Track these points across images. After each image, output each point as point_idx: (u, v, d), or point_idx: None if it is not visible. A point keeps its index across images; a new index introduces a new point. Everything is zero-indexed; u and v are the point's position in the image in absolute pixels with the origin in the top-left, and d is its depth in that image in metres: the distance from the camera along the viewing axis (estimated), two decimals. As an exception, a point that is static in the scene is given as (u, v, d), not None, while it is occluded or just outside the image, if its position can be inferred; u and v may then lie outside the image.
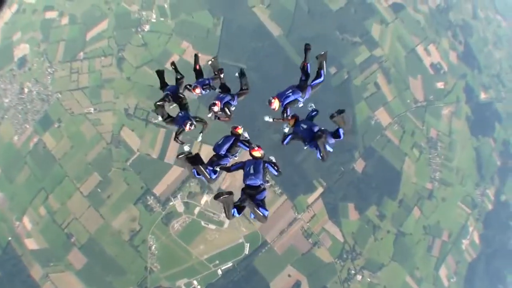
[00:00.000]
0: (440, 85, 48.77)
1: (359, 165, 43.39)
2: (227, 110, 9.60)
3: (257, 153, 8.44)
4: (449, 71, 49.61)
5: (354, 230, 43.00)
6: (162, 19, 45.59)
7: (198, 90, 10.00)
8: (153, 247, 39.94)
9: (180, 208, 40.79)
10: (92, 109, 42.56)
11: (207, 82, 10.31)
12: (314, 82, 9.35)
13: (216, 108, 9.47)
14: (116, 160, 41.34)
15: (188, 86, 10.31)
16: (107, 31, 44.76)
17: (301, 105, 9.41)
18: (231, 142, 9.03)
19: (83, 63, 43.86)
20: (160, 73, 10.64)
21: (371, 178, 43.36)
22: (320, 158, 8.41)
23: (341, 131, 8.08)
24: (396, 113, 46.06)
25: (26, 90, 43.43)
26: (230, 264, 40.23)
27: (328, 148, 8.37)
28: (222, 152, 8.90)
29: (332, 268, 42.08)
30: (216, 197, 7.57)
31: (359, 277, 42.83)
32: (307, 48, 9.40)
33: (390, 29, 48.66)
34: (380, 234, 43.71)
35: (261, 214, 7.79)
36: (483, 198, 48.73)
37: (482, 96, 51.69)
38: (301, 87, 9.24)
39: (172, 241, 40.17)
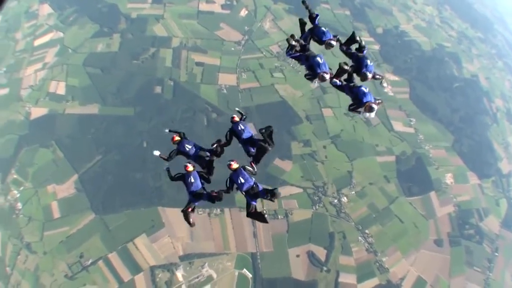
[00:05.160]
0: (243, 13, 58.34)
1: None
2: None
3: (235, 165, 11.18)
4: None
5: (300, 174, 50.02)
6: (21, 188, 51.87)
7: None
8: None
9: (173, 303, 46.56)
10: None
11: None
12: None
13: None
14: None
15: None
16: (4, 237, 49.63)
17: None
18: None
19: (14, 275, 47.43)
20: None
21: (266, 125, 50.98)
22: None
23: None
24: (234, 66, 55.07)
25: None
26: (251, 296, 46.03)
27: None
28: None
29: (319, 216, 48.80)
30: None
31: (344, 199, 49.85)
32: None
33: (168, 16, 60.40)
34: (321, 155, 51.04)
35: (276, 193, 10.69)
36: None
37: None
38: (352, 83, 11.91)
39: (194, 334, 45.89)
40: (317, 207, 48.81)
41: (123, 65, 56.75)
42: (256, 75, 54.98)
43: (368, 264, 46.91)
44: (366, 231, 48.26)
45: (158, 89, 54.41)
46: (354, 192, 50.25)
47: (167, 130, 12.88)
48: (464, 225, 51.78)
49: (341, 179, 50.70)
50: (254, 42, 58.44)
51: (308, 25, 12.53)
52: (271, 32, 59.21)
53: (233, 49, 57.09)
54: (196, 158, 11.96)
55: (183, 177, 11.54)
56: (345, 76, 11.76)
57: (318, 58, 11.61)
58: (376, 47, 58.52)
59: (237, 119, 11.96)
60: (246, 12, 60.33)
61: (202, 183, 11.56)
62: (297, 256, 46.40)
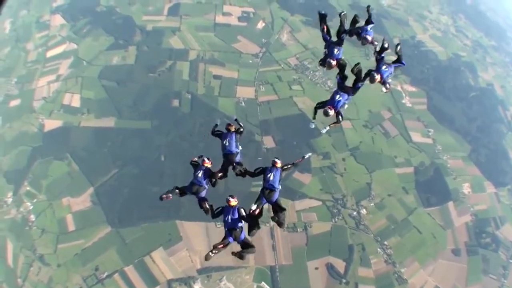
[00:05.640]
0: (260, 25, 59.27)
1: (268, 142, 51.97)
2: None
3: (234, 202, 11.18)
4: (257, 10, 60.87)
5: (320, 187, 50.60)
6: (34, 200, 51.94)
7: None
8: None
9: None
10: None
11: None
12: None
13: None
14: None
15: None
16: (16, 248, 49.73)
17: (346, 106, 12.25)
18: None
19: (25, 287, 47.18)
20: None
21: (287, 141, 51.99)
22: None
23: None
24: (252, 79, 55.99)
25: None
26: (268, 313, 46.44)
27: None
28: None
29: (339, 228, 49.22)
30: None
31: (363, 211, 50.33)
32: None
33: (184, 29, 61.29)
34: (340, 167, 51.69)
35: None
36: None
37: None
38: (344, 89, 12.29)
39: None
40: (336, 219, 49.16)
41: (139, 78, 57.23)
42: (275, 88, 55.61)
43: (387, 275, 47.22)
44: (385, 242, 48.63)
45: (175, 102, 54.95)
46: (373, 204, 50.67)
47: (234, 118, 13.51)
48: (481, 234, 52.17)
49: (360, 191, 51.16)
50: (271, 54, 59.19)
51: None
52: (288, 44, 60.14)
53: (250, 61, 57.90)
54: (223, 155, 12.40)
55: (196, 168, 12.00)
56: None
57: (336, 49, 12.56)
58: (393, 58, 59.00)
59: (278, 165, 11.75)
60: (263, 24, 61.48)
61: (206, 182, 11.83)
62: (316, 268, 46.69)
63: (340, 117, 12.12)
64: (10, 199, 52.11)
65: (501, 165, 59.33)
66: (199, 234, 46.73)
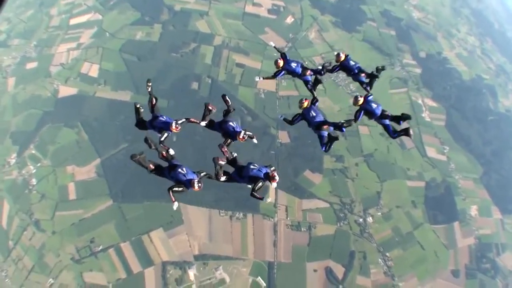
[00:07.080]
0: (289, 20, 59.05)
1: (283, 137, 51.60)
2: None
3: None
4: (287, 5, 60.27)
5: (329, 189, 50.14)
6: (38, 164, 51.38)
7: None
8: None
9: (182, 302, 45.98)
10: (51, 280, 45.92)
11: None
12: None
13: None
14: (98, 308, 46.40)
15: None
16: (11, 210, 49.11)
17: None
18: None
19: (16, 250, 47.69)
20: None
21: (301, 138, 51.56)
22: (324, 148, 12.09)
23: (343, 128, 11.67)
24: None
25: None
26: (261, 308, 45.63)
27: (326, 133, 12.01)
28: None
29: (343, 233, 48.64)
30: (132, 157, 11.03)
31: (369, 219, 49.73)
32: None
33: (212, 14, 61.18)
34: (352, 172, 51.26)
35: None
36: (407, 69, 58.09)
37: (332, -1, 63.34)
38: (304, 69, 13.39)
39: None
40: (341, 224, 48.59)
41: (161, 56, 56.81)
42: (296, 84, 55.07)
43: (384, 287, 46.59)
44: (387, 254, 48.06)
45: (194, 85, 54.55)
46: (380, 213, 50.07)
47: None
48: (481, 259, 51.64)
49: (369, 198, 50.58)
50: (297, 50, 58.92)
51: None
52: (315, 43, 59.76)
53: (275, 54, 56.72)
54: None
55: None
56: None
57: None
58: (418, 70, 59.41)
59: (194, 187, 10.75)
60: (292, 19, 61.40)
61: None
62: (315, 270, 46.22)
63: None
64: (13, 160, 51.63)
65: (511, 193, 59.00)
66: (201, 220, 46.32)
